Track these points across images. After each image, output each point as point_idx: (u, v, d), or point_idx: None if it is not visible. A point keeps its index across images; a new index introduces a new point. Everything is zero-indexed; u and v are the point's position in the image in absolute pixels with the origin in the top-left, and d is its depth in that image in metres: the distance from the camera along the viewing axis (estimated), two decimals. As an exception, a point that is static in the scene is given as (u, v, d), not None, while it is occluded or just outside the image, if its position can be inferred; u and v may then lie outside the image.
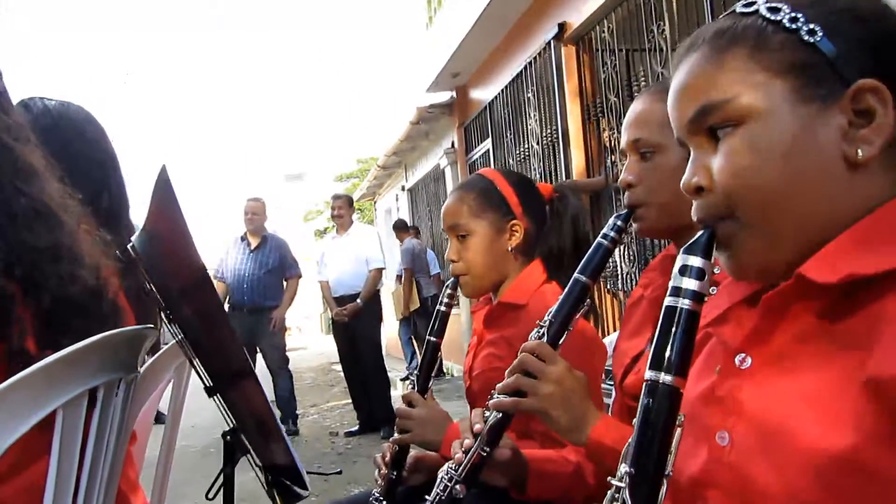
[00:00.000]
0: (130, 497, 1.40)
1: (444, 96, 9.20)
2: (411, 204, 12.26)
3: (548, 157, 6.43)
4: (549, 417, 1.22)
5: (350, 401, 6.80)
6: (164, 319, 1.34)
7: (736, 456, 0.76)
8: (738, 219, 0.77)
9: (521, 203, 1.77)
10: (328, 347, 13.39)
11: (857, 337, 0.69)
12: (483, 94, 8.15)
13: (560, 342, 1.28)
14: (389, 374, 6.53)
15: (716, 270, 0.81)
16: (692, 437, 0.80)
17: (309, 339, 22.67)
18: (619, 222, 1.32)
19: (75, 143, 1.63)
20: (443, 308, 1.72)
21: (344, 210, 6.54)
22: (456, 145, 9.20)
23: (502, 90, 7.39)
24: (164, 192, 1.23)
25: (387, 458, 1.69)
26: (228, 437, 1.49)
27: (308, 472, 1.57)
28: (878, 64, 0.74)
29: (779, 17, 0.77)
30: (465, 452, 1.27)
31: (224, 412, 1.45)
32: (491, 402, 1.26)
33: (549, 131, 6.32)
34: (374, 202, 16.24)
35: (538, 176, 6.53)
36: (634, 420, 0.75)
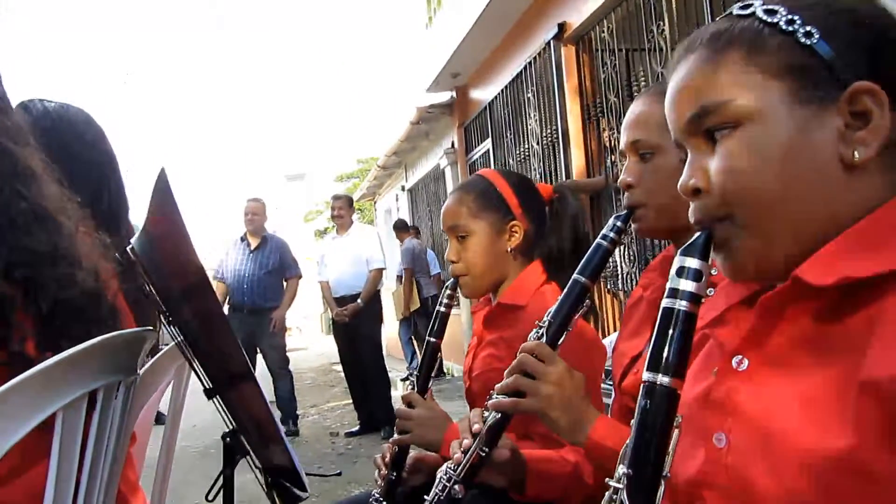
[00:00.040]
0: (130, 498, 1.40)
1: (444, 96, 9.20)
2: (411, 204, 12.26)
3: (548, 157, 6.43)
4: (548, 418, 1.22)
5: (350, 401, 6.80)
6: (164, 322, 1.34)
7: (733, 457, 0.77)
8: (735, 220, 0.78)
9: (521, 204, 1.77)
10: (328, 348, 13.39)
11: (853, 338, 0.70)
12: (483, 94, 8.15)
13: (559, 343, 1.28)
14: (390, 374, 6.53)
15: (713, 272, 0.81)
16: (690, 439, 0.80)
17: (309, 340, 22.66)
18: (618, 223, 1.32)
19: (75, 145, 1.63)
20: (442, 309, 1.72)
21: (344, 210, 6.54)
22: (456, 145, 9.20)
23: (502, 90, 7.39)
24: (163, 195, 1.24)
25: (386, 459, 1.69)
26: (228, 439, 1.49)
27: (308, 474, 1.57)
28: (874, 66, 0.74)
29: (775, 20, 0.77)
30: (464, 453, 1.27)
31: (223, 414, 1.46)
32: (490, 402, 1.27)
33: (549, 131, 6.32)
34: (374, 202, 16.24)
35: (538, 176, 6.53)
36: (632, 421, 0.76)
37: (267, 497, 1.54)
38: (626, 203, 1.33)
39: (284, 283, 6.55)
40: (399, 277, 9.16)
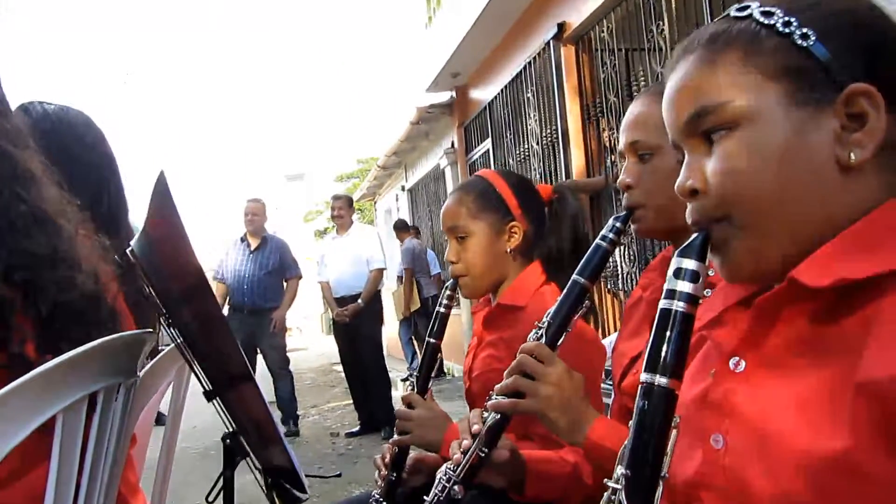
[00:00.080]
0: (130, 500, 1.41)
1: (444, 96, 9.20)
2: (411, 204, 12.26)
3: (548, 157, 6.43)
4: (547, 419, 1.23)
5: (351, 401, 6.80)
6: (163, 324, 1.34)
7: (730, 459, 0.77)
8: (731, 222, 0.78)
9: (521, 204, 1.77)
10: (329, 348, 13.39)
11: (850, 339, 0.70)
12: (483, 94, 8.15)
13: (559, 343, 1.28)
14: (390, 374, 6.53)
15: (710, 273, 0.81)
16: (687, 440, 0.80)
17: (309, 340, 22.67)
18: (617, 224, 1.32)
19: (74, 148, 1.64)
20: (442, 309, 1.72)
21: (344, 210, 6.54)
22: (456, 145, 9.20)
23: (502, 90, 7.40)
24: (162, 197, 1.24)
25: (386, 460, 1.69)
26: (228, 441, 1.50)
27: (307, 475, 1.57)
28: (870, 68, 0.75)
29: (772, 21, 0.77)
30: (464, 453, 1.28)
31: (223, 416, 1.46)
32: (489, 403, 1.27)
33: (548, 131, 6.32)
34: (374, 202, 16.24)
35: (538, 176, 6.54)
36: (630, 422, 0.76)
37: (267, 498, 1.54)
38: (625, 204, 1.34)
39: (284, 284, 6.55)
40: (399, 278, 9.16)
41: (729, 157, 0.77)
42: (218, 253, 6.75)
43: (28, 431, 1.02)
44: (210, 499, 1.52)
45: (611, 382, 1.52)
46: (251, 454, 1.51)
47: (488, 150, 8.01)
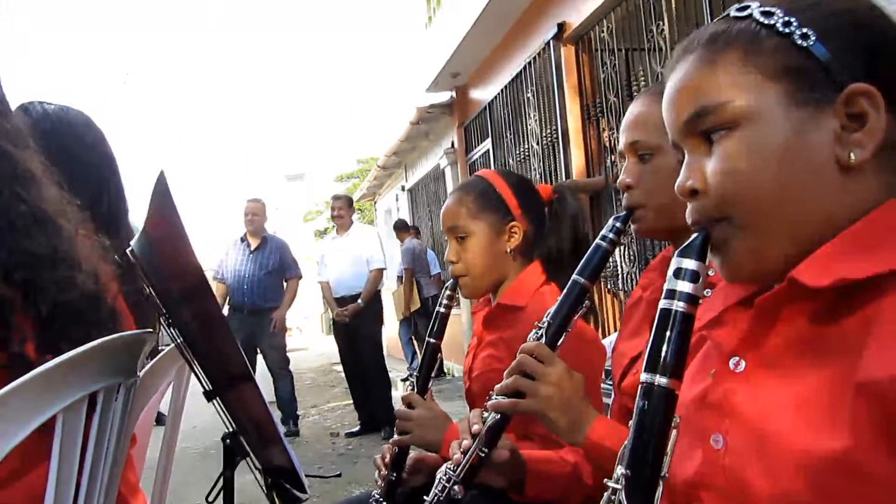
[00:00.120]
0: (130, 500, 1.41)
1: (444, 96, 9.19)
2: (411, 204, 12.26)
3: (548, 157, 6.43)
4: (547, 419, 1.23)
5: (351, 401, 6.80)
6: (163, 324, 1.34)
7: (730, 459, 0.77)
8: (731, 222, 0.78)
9: (520, 204, 1.77)
10: (329, 348, 13.39)
11: (849, 339, 0.70)
12: (483, 94, 8.15)
13: (559, 343, 1.29)
14: (390, 374, 6.53)
15: (710, 273, 0.81)
16: (687, 440, 0.80)
17: (309, 340, 22.67)
18: (617, 224, 1.32)
19: (74, 148, 1.64)
20: (442, 310, 1.72)
21: (344, 210, 6.54)
22: (456, 145, 9.20)
23: (502, 90, 7.40)
24: (162, 197, 1.24)
25: (386, 460, 1.69)
26: (228, 441, 1.50)
27: (307, 475, 1.57)
28: (870, 68, 0.75)
29: (772, 21, 0.77)
30: (464, 453, 1.28)
31: (223, 416, 1.46)
32: (489, 403, 1.27)
33: (548, 131, 6.32)
34: (374, 202, 16.24)
35: (538, 176, 6.54)
36: (630, 422, 0.76)
37: (267, 498, 1.54)
38: (625, 204, 1.34)
39: (284, 284, 6.55)
40: (399, 278, 9.16)
41: (729, 157, 0.77)
42: (218, 253, 6.75)
43: (28, 431, 1.02)
44: (210, 499, 1.52)
45: (611, 382, 1.52)
46: (251, 454, 1.51)
47: (488, 150, 8.01)
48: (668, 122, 0.84)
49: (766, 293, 0.78)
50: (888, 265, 0.69)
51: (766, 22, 0.77)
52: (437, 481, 1.30)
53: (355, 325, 6.15)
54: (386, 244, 7.30)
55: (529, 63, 6.53)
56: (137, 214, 1.72)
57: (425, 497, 1.31)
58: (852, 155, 0.74)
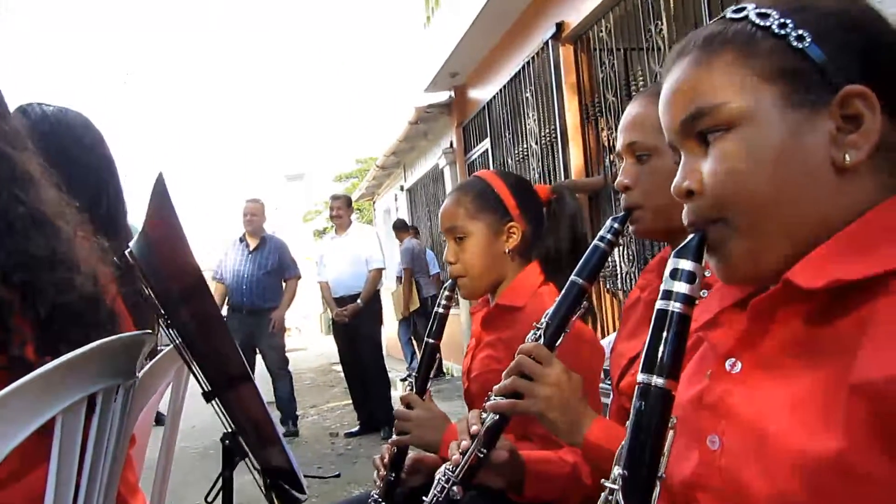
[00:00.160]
0: (130, 500, 1.41)
1: (443, 96, 9.19)
2: (410, 204, 12.26)
3: (546, 157, 6.44)
4: (546, 419, 1.23)
5: (350, 401, 6.80)
6: (162, 325, 1.34)
7: (727, 460, 0.77)
8: (727, 223, 0.78)
9: (519, 205, 1.78)
10: (328, 348, 13.39)
11: (844, 341, 0.70)
12: (481, 93, 8.15)
13: (557, 344, 1.29)
14: (389, 374, 6.53)
15: (707, 274, 0.81)
16: (684, 440, 0.80)
17: (309, 340, 22.66)
18: (615, 225, 1.32)
19: (73, 149, 1.64)
20: (440, 310, 1.73)
21: (342, 210, 6.54)
22: (454, 145, 9.20)
23: (500, 90, 7.40)
24: (160, 199, 1.24)
25: (385, 460, 1.69)
26: (227, 441, 1.50)
27: (306, 476, 1.58)
28: (865, 69, 0.75)
29: (768, 23, 0.77)
30: (463, 454, 1.28)
31: (222, 416, 1.46)
32: (488, 403, 1.27)
33: (547, 131, 6.32)
34: (373, 202, 16.24)
35: (537, 175, 6.54)
36: (627, 422, 0.76)
37: (266, 498, 1.54)
38: (623, 205, 1.34)
39: (283, 284, 6.55)
40: (398, 278, 9.16)
41: (725, 158, 0.77)
42: (217, 253, 6.75)
43: (28, 433, 1.02)
44: (209, 499, 1.52)
45: (609, 383, 1.52)
46: (250, 454, 1.51)
47: (487, 149, 8.01)
48: (665, 123, 0.84)
49: (761, 294, 0.78)
50: (883, 266, 0.69)
51: (761, 24, 0.78)
52: (435, 482, 1.30)
53: (355, 325, 6.15)
54: (385, 244, 7.30)
55: (528, 63, 6.53)
56: (136, 216, 1.72)
57: (424, 497, 1.32)
58: (847, 156, 0.74)
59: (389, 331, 9.64)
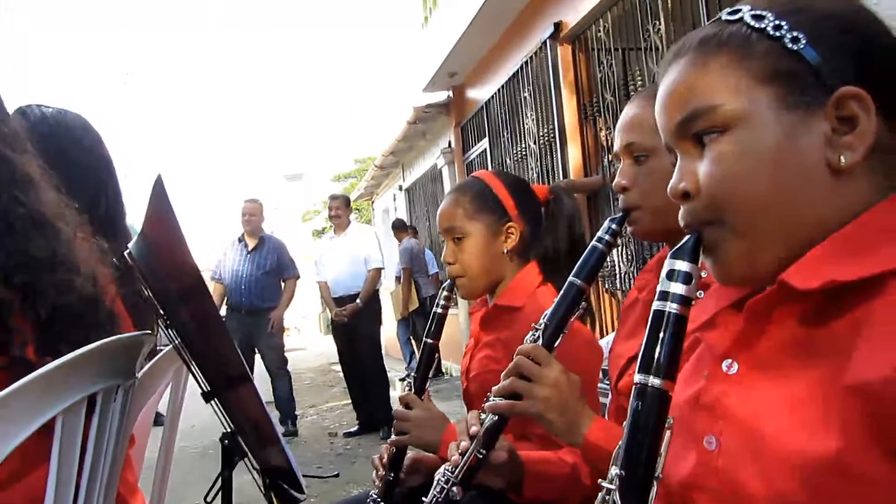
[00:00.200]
0: (129, 500, 1.41)
1: (441, 96, 9.18)
2: (409, 204, 12.26)
3: (545, 157, 6.44)
4: (545, 420, 1.23)
5: (349, 401, 6.80)
6: (161, 325, 1.35)
7: (724, 460, 0.77)
8: (723, 224, 0.78)
9: (517, 205, 1.78)
10: (327, 348, 13.39)
11: (839, 341, 0.70)
12: (480, 93, 8.14)
13: (555, 345, 1.29)
14: (389, 374, 6.53)
15: (703, 274, 0.82)
16: (681, 441, 0.81)
17: (308, 340, 22.65)
18: (613, 225, 1.32)
19: (72, 151, 1.64)
20: (439, 310, 1.73)
21: (341, 210, 6.53)
22: (453, 145, 9.19)
23: (499, 89, 7.40)
24: (159, 200, 1.25)
25: (384, 460, 1.70)
26: (226, 441, 1.50)
27: (305, 475, 1.58)
28: (861, 71, 0.75)
29: (763, 25, 0.77)
30: (462, 455, 1.28)
31: (221, 416, 1.47)
32: (487, 404, 1.27)
33: (545, 130, 6.32)
34: (372, 202, 16.23)
35: (535, 175, 6.54)
36: (625, 422, 0.76)
37: (265, 498, 1.54)
38: (621, 206, 1.34)
39: (282, 284, 6.55)
40: (397, 277, 9.15)
41: (720, 159, 0.78)
42: (216, 253, 6.75)
43: (29, 433, 1.03)
44: (208, 499, 1.53)
45: (608, 383, 1.52)
46: (249, 454, 1.51)
47: (485, 149, 8.01)
48: (661, 124, 0.85)
49: (757, 295, 0.78)
50: (878, 267, 0.70)
51: (756, 25, 0.78)
52: (435, 483, 1.30)
53: (354, 324, 6.15)
54: (384, 244, 7.30)
55: (526, 62, 6.53)
56: (135, 217, 1.73)
57: (424, 498, 1.32)
58: (842, 158, 0.74)
59: (388, 331, 9.64)
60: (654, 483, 0.74)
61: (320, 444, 6.21)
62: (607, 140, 5.37)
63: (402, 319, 9.14)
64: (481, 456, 1.28)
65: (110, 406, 1.21)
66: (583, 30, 5.62)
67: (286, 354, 6.66)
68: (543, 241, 1.80)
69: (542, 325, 1.30)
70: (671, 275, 0.77)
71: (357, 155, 22.68)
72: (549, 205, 1.83)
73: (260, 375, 5.19)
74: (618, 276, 5.31)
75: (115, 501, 1.30)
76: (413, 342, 9.33)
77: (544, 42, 6.02)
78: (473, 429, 1.28)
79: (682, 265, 0.77)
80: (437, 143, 9.92)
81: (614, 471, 0.76)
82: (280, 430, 1.49)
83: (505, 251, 1.75)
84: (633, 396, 0.76)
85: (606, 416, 1.50)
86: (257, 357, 6.40)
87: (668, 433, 0.75)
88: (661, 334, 0.75)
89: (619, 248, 5.12)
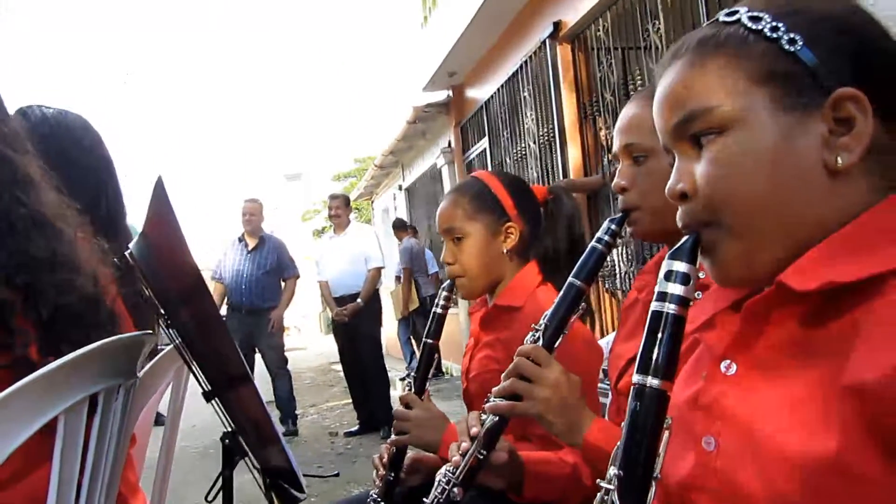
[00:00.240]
0: (130, 500, 1.42)
1: (441, 95, 9.18)
2: (409, 203, 12.26)
3: (544, 156, 6.44)
4: (545, 421, 1.24)
5: (349, 401, 6.80)
6: (162, 325, 1.35)
7: (722, 461, 0.78)
8: (721, 225, 0.79)
9: (516, 205, 1.78)
10: (327, 347, 13.39)
11: (837, 342, 0.70)
12: (479, 92, 8.15)
13: (555, 346, 1.29)
14: (389, 373, 6.53)
15: (702, 275, 0.82)
16: (680, 441, 0.81)
17: (308, 339, 22.65)
18: (612, 226, 1.32)
19: (73, 151, 1.64)
20: (439, 310, 1.73)
21: (341, 210, 6.53)
22: (452, 144, 9.19)
23: (498, 89, 7.40)
24: (160, 201, 1.25)
25: (384, 460, 1.70)
26: (227, 441, 1.51)
27: (306, 475, 1.58)
28: (857, 72, 0.75)
29: (760, 27, 0.78)
30: (463, 456, 1.28)
31: (222, 416, 1.47)
32: (487, 405, 1.27)
33: (545, 130, 6.33)
34: (372, 202, 16.23)
35: (535, 174, 6.54)
36: (623, 423, 0.77)
37: (265, 498, 1.55)
38: (620, 206, 1.34)
39: (282, 283, 6.55)
40: (397, 277, 9.15)
41: (717, 161, 0.78)
42: (216, 253, 6.76)
43: (31, 432, 1.03)
44: (209, 498, 1.53)
45: (608, 383, 1.53)
46: (250, 454, 1.52)
47: (485, 149, 8.01)
48: (658, 125, 0.85)
49: (755, 296, 0.78)
50: (877, 268, 0.70)
51: (753, 27, 0.78)
52: (436, 483, 1.30)
53: (354, 324, 6.15)
54: (384, 243, 7.29)
55: (526, 62, 6.53)
56: (136, 217, 1.73)
57: (424, 498, 1.32)
58: (840, 159, 0.74)
59: (389, 330, 9.64)
60: (653, 483, 0.74)
61: (321, 443, 6.21)
62: (607, 139, 5.37)
63: (403, 319, 9.14)
64: (482, 457, 1.28)
65: (112, 406, 1.22)
66: (582, 29, 5.62)
67: (286, 354, 6.66)
68: (543, 241, 1.81)
69: (542, 326, 1.30)
70: (669, 275, 0.77)
71: (357, 154, 22.69)
72: (548, 205, 1.83)
73: (260, 375, 5.20)
74: (618, 276, 5.31)
75: (116, 501, 1.31)
76: (413, 342, 9.33)
77: (544, 41, 6.02)
78: (474, 430, 1.28)
79: (680, 266, 0.77)
80: (436, 143, 9.92)
81: (613, 471, 0.76)
82: (280, 429, 1.49)
83: (504, 251, 1.76)
84: (631, 397, 0.76)
85: (606, 417, 1.51)
86: (258, 357, 6.41)
87: (666, 433, 0.75)
88: (660, 335, 0.76)
89: (619, 248, 5.12)
